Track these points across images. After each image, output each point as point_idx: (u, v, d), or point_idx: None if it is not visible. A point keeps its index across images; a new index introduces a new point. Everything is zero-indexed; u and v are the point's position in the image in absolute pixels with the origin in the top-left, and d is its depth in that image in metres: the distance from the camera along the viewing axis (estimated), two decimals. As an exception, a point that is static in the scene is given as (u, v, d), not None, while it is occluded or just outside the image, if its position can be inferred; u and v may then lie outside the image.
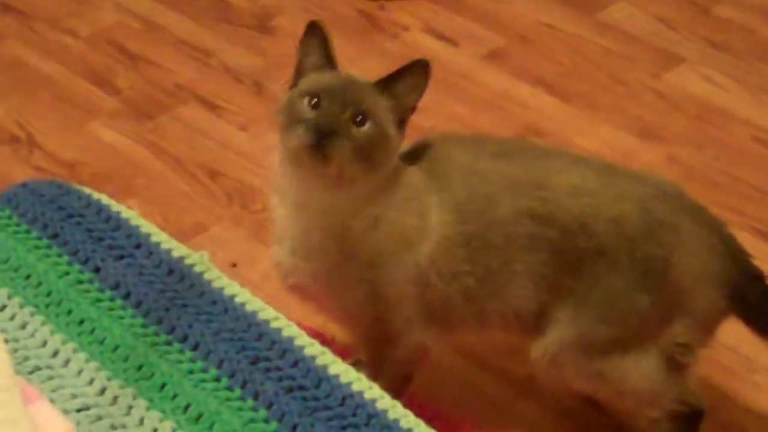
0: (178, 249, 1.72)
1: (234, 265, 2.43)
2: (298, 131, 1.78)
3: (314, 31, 1.86)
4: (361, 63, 1.98)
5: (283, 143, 1.83)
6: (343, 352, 2.11)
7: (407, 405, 1.56)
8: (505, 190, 1.90)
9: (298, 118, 1.80)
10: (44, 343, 1.60)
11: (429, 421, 1.58)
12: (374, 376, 1.86)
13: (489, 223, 1.89)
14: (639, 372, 1.95)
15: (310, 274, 1.91)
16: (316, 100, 1.80)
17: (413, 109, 1.87)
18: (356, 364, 2.02)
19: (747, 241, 2.03)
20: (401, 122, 1.86)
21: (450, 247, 1.89)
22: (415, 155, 1.93)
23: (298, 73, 1.88)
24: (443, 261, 1.90)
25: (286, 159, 1.84)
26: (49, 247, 1.72)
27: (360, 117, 1.79)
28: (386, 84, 1.84)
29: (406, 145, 1.92)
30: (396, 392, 1.69)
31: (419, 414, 1.54)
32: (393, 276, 1.90)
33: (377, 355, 1.99)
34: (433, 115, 2.88)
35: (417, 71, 1.84)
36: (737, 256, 1.94)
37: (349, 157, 1.78)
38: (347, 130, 1.78)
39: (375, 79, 1.85)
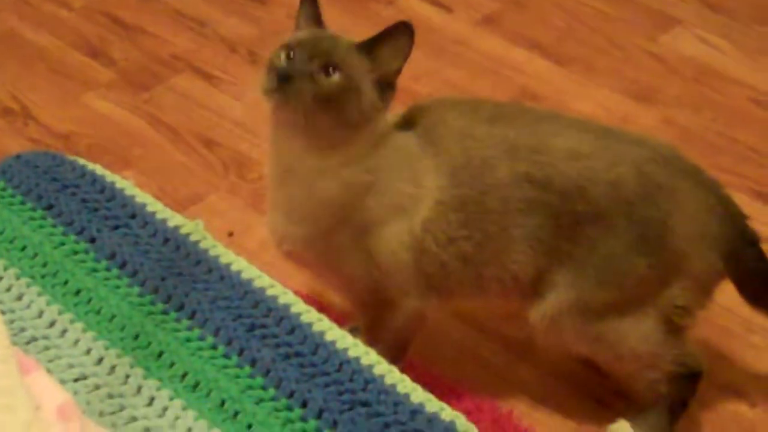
0: (173, 218, 1.72)
1: (231, 234, 2.43)
2: (268, 77, 1.80)
3: (307, 2, 1.90)
4: (356, 30, 1.97)
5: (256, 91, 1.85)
6: (340, 320, 2.12)
7: (405, 370, 1.56)
8: (501, 154, 1.89)
9: (272, 66, 1.81)
10: (41, 314, 1.60)
11: (427, 386, 1.59)
12: (371, 342, 1.86)
13: (485, 187, 1.89)
14: (637, 334, 1.95)
15: (302, 240, 1.91)
16: (291, 52, 1.81)
17: (397, 72, 1.85)
18: (353, 332, 2.02)
19: (744, 202, 2.03)
20: (388, 86, 1.85)
21: (446, 212, 1.89)
22: (409, 120, 1.93)
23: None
24: (439, 226, 1.89)
25: (270, 115, 1.85)
26: (44, 218, 1.72)
27: (330, 68, 1.79)
28: (368, 46, 1.84)
29: (401, 110, 1.92)
30: (394, 359, 1.70)
31: (417, 379, 1.55)
32: (387, 243, 1.90)
33: (374, 321, 1.99)
34: (428, 81, 2.88)
35: (400, 34, 1.83)
36: (735, 219, 1.95)
37: (311, 103, 1.78)
38: (312, 78, 1.78)
39: (359, 41, 1.85)
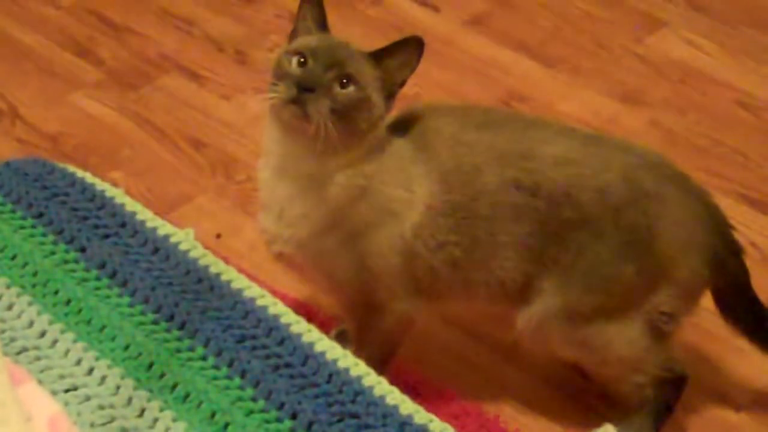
0: (163, 227, 1.72)
1: (219, 236, 2.44)
2: (282, 87, 1.79)
3: (312, 4, 1.88)
4: (343, 29, 1.98)
5: (269, 100, 1.84)
6: (328, 323, 2.13)
7: (393, 373, 1.57)
8: (491, 161, 1.90)
9: (284, 75, 1.80)
10: (31, 324, 1.60)
11: (414, 388, 1.60)
12: (360, 345, 1.87)
13: (475, 193, 1.90)
14: (623, 340, 1.96)
15: (294, 242, 1.91)
16: (303, 59, 1.81)
17: (403, 83, 1.87)
18: (341, 335, 2.03)
19: (729, 205, 2.04)
20: (390, 95, 1.87)
21: (436, 217, 1.90)
22: (401, 126, 1.93)
23: (292, 37, 1.90)
24: (429, 231, 1.90)
25: (271, 116, 1.85)
26: (34, 226, 1.72)
27: (345, 79, 1.80)
28: (378, 56, 1.85)
29: (391, 115, 1.92)
30: (382, 362, 1.71)
31: (404, 382, 1.56)
32: (378, 247, 1.91)
33: (363, 325, 2.00)
34: (415, 82, 2.86)
35: (411, 47, 1.86)
36: (720, 227, 1.96)
37: (328, 115, 1.78)
38: (329, 90, 1.79)
39: (368, 50, 1.85)
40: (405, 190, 1.89)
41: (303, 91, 1.77)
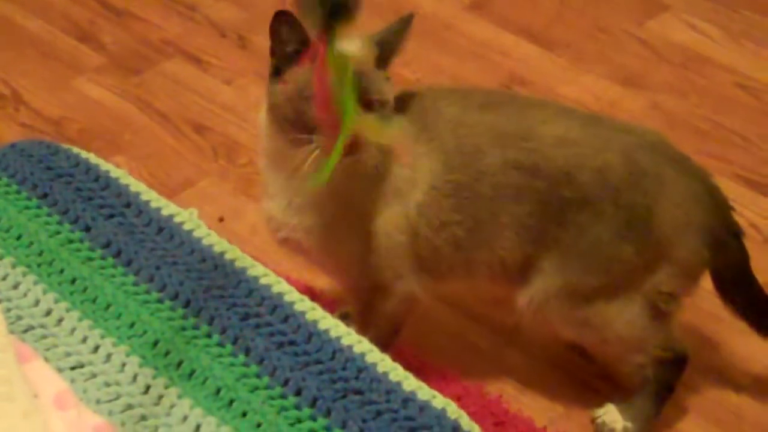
0: (167, 207, 1.73)
1: (221, 220, 2.45)
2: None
3: (283, 19, 1.77)
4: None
5: (278, 137, 1.84)
6: (330, 305, 2.14)
7: (395, 355, 1.58)
8: (492, 141, 1.91)
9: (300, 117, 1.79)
10: (37, 303, 1.61)
11: (416, 371, 1.60)
12: (363, 327, 1.88)
13: (477, 173, 1.91)
14: (623, 319, 1.97)
15: (303, 229, 1.92)
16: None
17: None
18: (344, 317, 2.04)
19: (730, 187, 2.05)
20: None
21: (438, 197, 1.91)
22: (402, 106, 1.94)
23: (280, 60, 1.82)
24: (432, 211, 1.91)
25: (271, 119, 1.85)
26: (39, 207, 1.73)
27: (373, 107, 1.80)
28: (382, 57, 1.84)
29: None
30: (385, 344, 1.71)
31: (406, 364, 1.56)
32: (385, 226, 1.92)
33: (367, 306, 2.01)
34: (416, 66, 2.89)
35: (406, 25, 1.87)
36: (720, 208, 1.97)
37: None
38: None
39: (372, 55, 1.83)
40: (408, 168, 1.90)
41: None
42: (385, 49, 1.85)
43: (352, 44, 1.75)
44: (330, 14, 1.70)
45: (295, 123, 1.79)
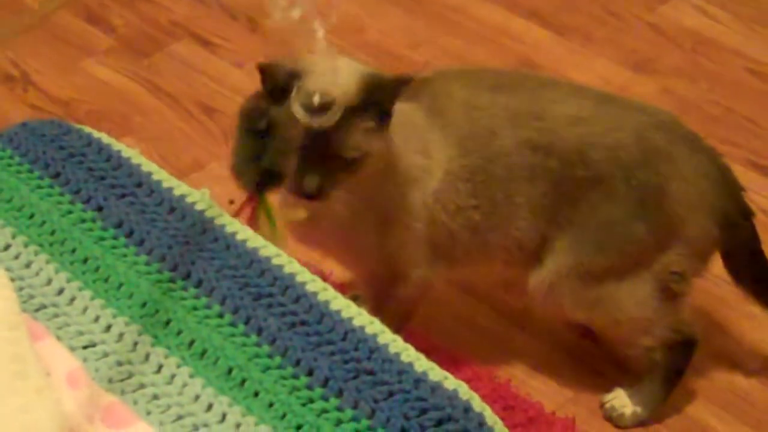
0: (179, 187, 1.72)
1: (232, 202, 2.43)
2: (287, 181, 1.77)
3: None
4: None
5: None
6: (340, 288, 2.14)
7: (405, 339, 1.58)
8: (505, 122, 1.91)
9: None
10: (49, 281, 1.61)
11: (426, 355, 1.60)
12: (376, 313, 1.88)
13: (491, 155, 1.91)
14: (634, 300, 1.97)
15: (326, 227, 1.92)
16: (295, 150, 1.76)
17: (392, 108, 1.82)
18: (354, 299, 2.04)
19: (739, 172, 2.05)
20: (384, 115, 1.81)
21: (454, 182, 1.91)
22: (413, 92, 1.93)
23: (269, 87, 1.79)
24: (448, 196, 1.91)
25: None
26: (51, 186, 1.73)
27: (344, 159, 1.78)
28: (366, 103, 1.77)
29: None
30: (397, 329, 1.71)
31: (416, 348, 1.56)
32: (402, 216, 1.91)
33: (381, 293, 2.00)
34: (425, 49, 2.89)
35: (398, 88, 1.80)
36: (731, 188, 1.97)
37: (343, 194, 1.80)
38: (335, 177, 1.78)
39: (353, 95, 1.76)
40: (423, 156, 1.90)
41: (310, 192, 1.78)
42: (374, 95, 1.78)
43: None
44: (261, 181, 1.75)
45: None
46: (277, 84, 1.75)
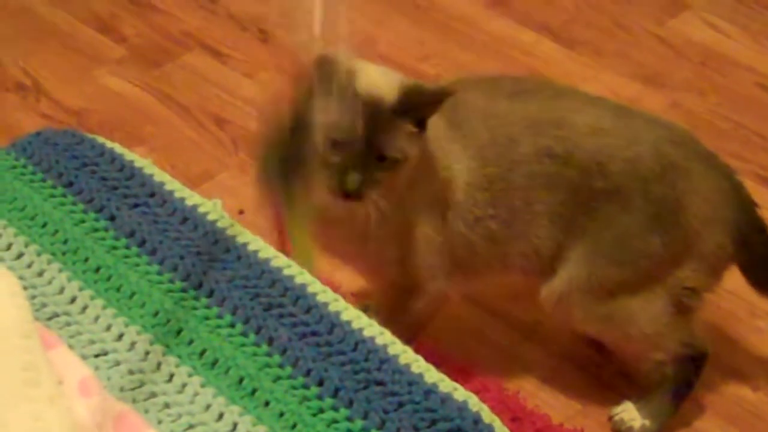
0: (191, 197, 1.73)
1: (241, 212, 2.45)
2: (325, 176, 1.79)
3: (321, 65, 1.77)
4: (363, 9, 1.99)
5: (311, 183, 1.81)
6: (350, 299, 2.14)
7: (413, 349, 1.58)
8: (524, 130, 1.91)
9: (323, 160, 1.79)
10: (62, 290, 1.62)
11: (435, 365, 1.61)
12: (389, 323, 1.89)
13: (510, 163, 1.91)
14: (646, 315, 1.97)
15: (348, 234, 1.93)
16: (337, 143, 1.78)
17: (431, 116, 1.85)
18: (365, 310, 2.04)
19: (749, 187, 2.05)
20: (421, 123, 1.83)
21: (473, 193, 1.91)
22: None
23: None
24: (467, 207, 1.92)
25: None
26: (64, 195, 1.73)
27: (384, 156, 1.80)
28: (406, 106, 1.80)
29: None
30: (407, 341, 1.71)
31: (425, 358, 1.57)
32: (424, 230, 1.92)
33: (397, 303, 2.01)
34: (437, 62, 2.90)
35: (440, 98, 1.83)
36: (745, 205, 1.97)
37: (377, 198, 1.80)
38: (374, 175, 1.79)
39: (395, 99, 1.79)
40: (444, 169, 1.90)
41: (351, 186, 1.78)
42: (413, 101, 1.80)
43: None
44: (288, 181, 1.74)
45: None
46: (331, 79, 1.76)
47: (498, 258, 1.96)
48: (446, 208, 1.91)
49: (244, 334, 1.53)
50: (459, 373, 2.11)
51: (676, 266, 1.93)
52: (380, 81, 1.80)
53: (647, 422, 2.08)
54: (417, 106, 1.81)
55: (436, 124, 1.90)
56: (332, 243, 1.95)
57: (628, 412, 2.09)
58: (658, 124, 1.97)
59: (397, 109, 1.79)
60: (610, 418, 2.11)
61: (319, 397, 1.46)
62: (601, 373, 2.20)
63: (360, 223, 1.86)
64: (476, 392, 2.03)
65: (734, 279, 2.04)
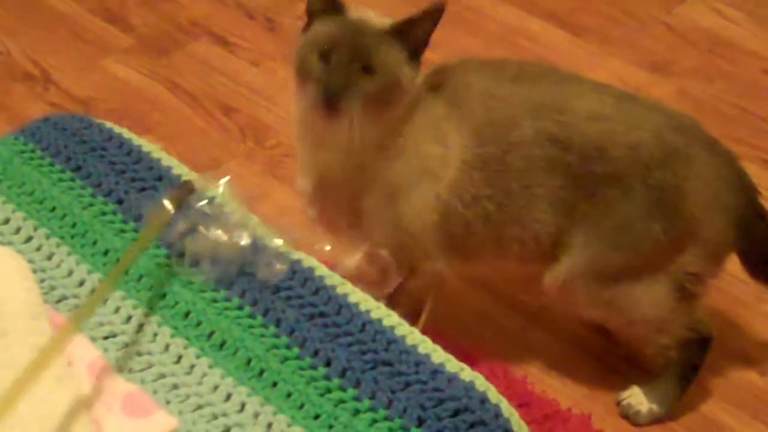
0: (198, 181, 1.74)
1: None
2: (310, 88, 1.81)
3: None
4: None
5: (298, 96, 1.86)
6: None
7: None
8: (525, 113, 1.91)
9: (309, 73, 1.82)
10: (70, 273, 1.62)
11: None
12: (389, 304, 1.89)
13: (508, 145, 1.91)
14: (649, 300, 1.98)
15: (332, 204, 1.94)
16: (325, 53, 1.81)
17: (426, 43, 1.88)
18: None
19: (756, 172, 2.06)
20: (415, 54, 1.87)
21: (470, 171, 1.91)
22: (435, 82, 1.94)
23: (309, 15, 1.89)
24: (464, 185, 1.91)
25: (299, 102, 1.87)
26: (72, 179, 1.74)
27: (371, 69, 1.81)
28: (400, 29, 1.84)
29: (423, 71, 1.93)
30: (408, 317, 1.72)
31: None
32: (415, 206, 1.92)
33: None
34: (443, 50, 2.87)
35: (435, 15, 1.85)
36: (747, 191, 1.97)
37: (361, 109, 1.81)
38: (357, 83, 1.80)
39: (387, 25, 1.84)
40: (440, 146, 1.91)
41: (333, 94, 1.79)
42: (404, 26, 1.84)
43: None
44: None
45: (300, 71, 1.84)
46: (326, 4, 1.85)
47: (494, 241, 1.96)
48: (440, 185, 1.91)
49: (252, 317, 1.54)
50: (466, 358, 2.08)
51: (677, 252, 1.94)
52: (373, 14, 1.87)
53: (654, 406, 2.08)
54: (408, 29, 1.84)
55: (434, 101, 1.91)
56: (322, 210, 1.97)
57: (635, 396, 2.10)
58: (660, 110, 1.97)
59: (389, 31, 1.83)
60: (618, 403, 2.12)
61: (327, 378, 1.46)
62: (608, 357, 2.20)
63: (343, 142, 1.86)
64: (484, 377, 2.06)
65: (740, 264, 2.04)
